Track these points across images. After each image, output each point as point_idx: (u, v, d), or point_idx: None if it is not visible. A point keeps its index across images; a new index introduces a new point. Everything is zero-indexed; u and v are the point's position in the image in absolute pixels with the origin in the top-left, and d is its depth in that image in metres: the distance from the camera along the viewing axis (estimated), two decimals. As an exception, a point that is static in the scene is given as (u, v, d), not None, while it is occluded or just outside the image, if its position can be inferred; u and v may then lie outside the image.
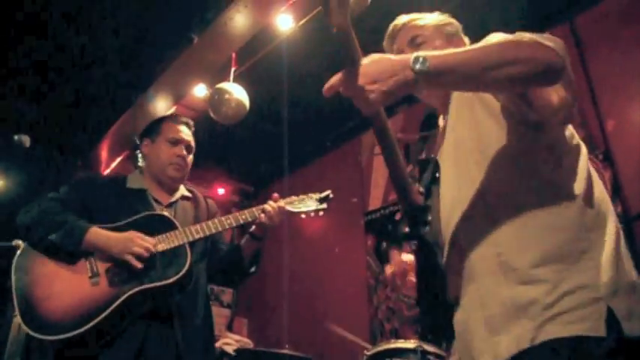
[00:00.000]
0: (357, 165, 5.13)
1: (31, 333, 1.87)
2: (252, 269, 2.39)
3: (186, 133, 2.42)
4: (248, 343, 4.68)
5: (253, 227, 2.31)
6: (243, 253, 2.33)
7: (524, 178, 1.25)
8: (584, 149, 1.33)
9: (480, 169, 1.30)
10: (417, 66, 1.10)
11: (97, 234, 2.05)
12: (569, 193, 1.22)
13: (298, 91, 4.48)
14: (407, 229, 1.41)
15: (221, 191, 6.33)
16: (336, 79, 1.17)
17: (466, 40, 1.60)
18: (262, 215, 2.24)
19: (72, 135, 5.26)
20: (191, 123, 2.48)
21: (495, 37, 1.27)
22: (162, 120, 2.48)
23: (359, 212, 4.91)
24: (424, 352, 2.39)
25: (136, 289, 1.98)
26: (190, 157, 2.43)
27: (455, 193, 1.36)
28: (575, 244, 1.17)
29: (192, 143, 2.44)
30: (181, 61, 4.27)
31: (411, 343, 2.46)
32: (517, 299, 1.18)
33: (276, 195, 2.32)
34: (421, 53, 1.12)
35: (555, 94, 1.21)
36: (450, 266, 1.37)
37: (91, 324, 1.88)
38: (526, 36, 1.18)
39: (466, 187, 1.33)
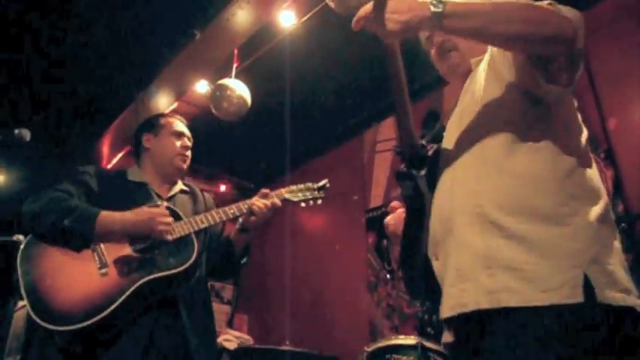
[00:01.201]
0: (359, 162, 5.12)
1: (44, 324, 1.86)
2: (243, 260, 2.41)
3: (185, 127, 2.50)
4: (248, 339, 4.69)
5: (242, 220, 2.32)
6: (235, 245, 2.36)
7: (518, 140, 1.28)
8: (584, 127, 1.36)
9: (479, 129, 1.35)
10: (435, 7, 1.19)
11: (111, 216, 2.05)
12: (561, 159, 1.25)
13: (300, 88, 4.48)
14: (402, 168, 1.46)
15: (222, 188, 6.34)
16: (364, 11, 1.24)
17: None
18: (253, 208, 2.24)
19: (73, 130, 5.27)
20: (184, 121, 2.56)
21: None
22: (161, 116, 2.55)
23: (360, 210, 4.91)
24: (424, 349, 2.39)
25: (146, 279, 1.98)
26: (189, 152, 2.48)
27: (454, 151, 1.40)
28: (558, 207, 1.19)
29: (191, 137, 2.51)
30: (183, 57, 4.28)
31: (411, 340, 2.46)
32: (491, 250, 1.20)
33: (265, 190, 2.33)
34: None
35: (566, 75, 1.24)
36: (434, 218, 1.39)
37: (103, 314, 1.88)
38: (545, 2, 1.25)
39: (465, 145, 1.36)
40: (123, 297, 1.93)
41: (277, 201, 2.30)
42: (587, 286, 1.11)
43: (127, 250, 2.06)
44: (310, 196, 2.40)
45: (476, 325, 1.21)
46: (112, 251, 2.05)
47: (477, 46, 1.50)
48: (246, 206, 2.25)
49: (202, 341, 2.11)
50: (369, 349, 2.57)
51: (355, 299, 4.70)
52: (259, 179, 6.25)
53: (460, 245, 1.27)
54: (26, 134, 2.51)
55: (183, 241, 2.10)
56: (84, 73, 4.56)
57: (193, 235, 2.13)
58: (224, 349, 4.44)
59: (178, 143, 2.41)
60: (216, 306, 5.84)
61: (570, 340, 1.09)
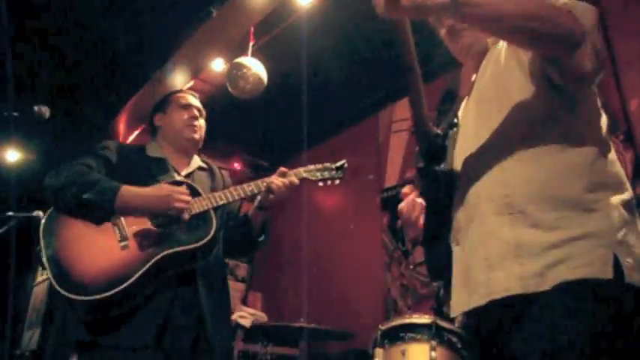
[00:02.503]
0: (374, 142, 5.11)
1: (65, 294, 1.90)
2: (261, 239, 2.42)
3: (193, 99, 2.50)
4: (262, 316, 4.75)
5: (259, 198, 2.32)
6: (252, 223, 2.36)
7: (543, 128, 1.28)
8: (604, 115, 1.36)
9: (500, 116, 1.34)
10: None
11: (131, 190, 2.08)
12: (585, 147, 1.26)
13: (316, 67, 4.45)
14: (421, 164, 1.45)
15: (237, 166, 6.36)
16: None
17: None
18: (272, 186, 2.25)
19: (90, 108, 5.30)
20: (196, 94, 2.57)
21: None
22: (169, 95, 2.57)
23: (375, 189, 4.91)
24: (439, 328, 2.40)
25: (166, 252, 2.02)
26: (202, 122, 2.49)
27: (473, 138, 1.40)
28: (584, 194, 1.21)
29: (202, 108, 2.51)
30: (200, 35, 4.26)
31: (425, 319, 2.47)
32: (520, 239, 1.21)
33: (283, 169, 2.33)
34: None
35: (587, 62, 1.23)
36: (457, 205, 1.41)
37: (124, 285, 1.92)
38: (564, 3, 1.24)
39: (485, 131, 1.36)
40: (143, 269, 1.97)
41: (295, 179, 2.31)
42: (617, 266, 1.14)
43: (147, 224, 2.09)
44: (328, 176, 2.40)
45: (504, 310, 1.23)
46: (132, 225, 2.08)
47: None
48: (264, 184, 2.26)
49: (217, 319, 2.14)
50: (384, 327, 2.59)
51: (369, 278, 4.72)
52: (275, 158, 6.26)
53: (487, 234, 1.28)
54: (46, 111, 2.53)
55: (202, 217, 2.13)
56: (101, 52, 4.57)
57: (212, 212, 2.15)
58: (239, 326, 4.50)
59: (185, 115, 2.42)
60: (231, 284, 5.87)
61: (601, 312, 1.12)
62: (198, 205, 2.14)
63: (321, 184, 2.40)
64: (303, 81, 4.54)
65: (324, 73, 4.57)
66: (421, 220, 1.52)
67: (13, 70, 4.49)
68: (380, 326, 2.61)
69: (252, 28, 4.10)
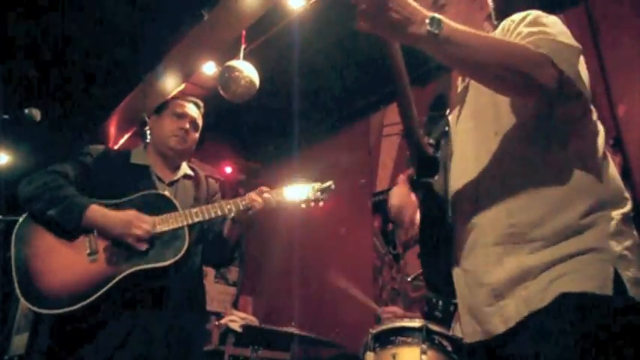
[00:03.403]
0: (366, 146, 5.11)
1: (28, 305, 1.89)
2: (235, 254, 2.43)
3: (192, 109, 2.45)
4: (253, 320, 4.73)
5: (234, 213, 2.29)
6: (228, 237, 2.35)
7: (541, 152, 1.28)
8: (601, 128, 1.36)
9: (497, 138, 1.34)
10: (431, 27, 1.16)
11: (96, 212, 2.05)
12: (586, 169, 1.26)
13: (308, 70, 4.46)
14: (414, 176, 1.45)
15: (228, 170, 6.35)
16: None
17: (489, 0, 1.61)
18: (255, 204, 2.24)
19: (81, 111, 5.27)
20: (201, 104, 2.51)
21: (529, 19, 1.32)
22: (171, 99, 2.53)
23: (366, 193, 4.91)
24: (429, 331, 2.40)
25: (133, 269, 1.99)
26: (195, 135, 2.45)
27: (474, 161, 1.39)
28: (587, 217, 1.21)
29: (199, 121, 2.47)
30: (191, 38, 4.26)
31: (416, 322, 2.47)
32: (523, 265, 1.22)
33: (263, 187, 2.33)
34: (440, 17, 1.17)
35: (573, 108, 1.27)
36: (456, 226, 1.41)
37: (87, 301, 1.90)
38: (542, 45, 1.22)
39: (485, 155, 1.36)
40: (108, 285, 1.94)
41: (273, 202, 2.30)
42: (617, 281, 1.14)
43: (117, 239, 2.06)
44: (312, 197, 2.40)
45: (516, 335, 1.23)
46: (104, 238, 2.05)
47: (471, 25, 1.43)
48: (244, 202, 2.24)
49: (187, 332, 2.11)
50: (375, 331, 2.59)
51: (360, 282, 4.72)
52: (266, 161, 6.26)
53: (491, 264, 1.29)
54: (36, 114, 2.52)
55: (176, 234, 2.10)
56: (92, 54, 4.56)
57: (186, 229, 2.12)
58: (229, 330, 4.48)
59: (176, 124, 2.37)
60: (222, 287, 5.89)
61: (600, 324, 1.12)
62: (173, 221, 2.11)
63: (303, 205, 2.39)
64: (295, 84, 4.55)
65: (316, 77, 4.58)
66: (416, 220, 1.52)
67: (2, 72, 4.47)
68: (371, 330, 2.61)
69: (243, 31, 4.10)
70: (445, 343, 2.44)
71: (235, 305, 5.61)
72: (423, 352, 2.37)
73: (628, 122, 3.27)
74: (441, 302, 2.73)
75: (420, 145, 1.42)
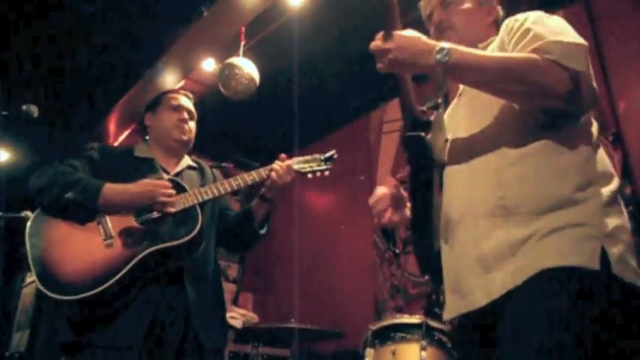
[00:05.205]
0: (365, 142, 5.11)
1: (49, 294, 1.89)
2: (263, 231, 2.40)
3: (185, 101, 2.47)
4: (253, 317, 4.74)
5: (263, 189, 2.32)
6: (255, 215, 2.35)
7: (534, 130, 1.32)
8: (594, 123, 1.40)
9: (492, 115, 1.38)
10: (439, 56, 1.25)
11: (115, 187, 2.07)
12: (577, 149, 1.29)
13: (307, 67, 4.45)
14: (407, 133, 1.48)
15: (228, 167, 6.33)
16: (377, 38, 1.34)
17: (498, 7, 1.65)
18: (273, 174, 2.24)
19: (80, 107, 5.27)
20: (190, 95, 2.54)
21: (531, 20, 1.37)
22: (162, 94, 2.53)
23: (366, 190, 4.91)
24: (429, 328, 2.41)
25: (150, 250, 2.00)
26: (193, 124, 2.47)
27: (465, 131, 1.44)
28: (576, 193, 1.24)
29: (194, 111, 2.49)
30: (190, 35, 4.25)
31: (415, 319, 2.48)
32: (513, 238, 1.25)
33: (283, 155, 2.33)
34: (447, 45, 1.27)
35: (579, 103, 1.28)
36: (448, 202, 1.43)
37: (107, 284, 1.91)
38: (550, 49, 1.26)
39: (477, 128, 1.40)
40: (127, 268, 1.95)
41: (292, 164, 2.30)
42: (604, 258, 1.17)
43: (131, 221, 2.08)
44: (317, 168, 2.36)
45: (500, 309, 1.24)
46: (116, 223, 2.06)
47: (476, 27, 1.55)
48: (251, 177, 2.25)
49: (207, 318, 2.12)
50: (374, 327, 2.60)
51: (360, 278, 4.73)
52: (266, 158, 6.24)
53: (480, 236, 1.31)
54: (34, 110, 2.52)
55: (188, 213, 2.11)
56: (91, 51, 4.55)
57: (198, 207, 2.13)
58: (230, 327, 4.49)
59: (175, 116, 2.40)
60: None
61: (584, 299, 1.14)
62: (183, 201, 2.12)
63: (310, 176, 2.35)
64: (295, 81, 4.55)
65: (316, 74, 4.57)
66: (388, 214, 1.53)
67: (1, 69, 4.47)
68: (370, 326, 2.62)
69: (243, 28, 4.09)
70: (445, 339, 2.44)
71: (235, 302, 5.62)
72: (423, 349, 2.38)
73: (628, 118, 3.27)
74: (441, 298, 2.74)
75: (412, 107, 1.47)
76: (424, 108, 1.52)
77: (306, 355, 4.24)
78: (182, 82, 4.77)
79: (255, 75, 3.92)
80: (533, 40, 1.30)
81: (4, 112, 2.53)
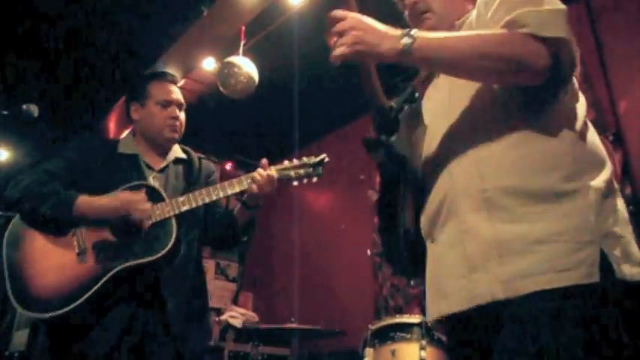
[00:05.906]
0: (366, 142, 5.10)
1: (20, 310, 1.88)
2: (245, 238, 2.32)
3: (175, 91, 2.33)
4: (253, 316, 4.74)
5: (245, 196, 2.19)
6: (237, 221, 2.25)
7: (516, 115, 1.22)
8: (582, 99, 1.30)
9: (471, 102, 1.29)
10: (405, 39, 1.18)
11: (89, 202, 2.01)
12: (563, 133, 1.20)
13: (307, 66, 4.44)
14: (374, 136, 1.41)
15: (227, 166, 6.34)
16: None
17: None
18: (253, 186, 2.11)
19: (81, 106, 5.27)
20: (176, 79, 2.42)
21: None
22: (147, 81, 2.35)
23: (366, 189, 4.90)
24: (428, 327, 2.41)
25: (122, 266, 1.95)
26: (183, 116, 2.33)
27: (445, 127, 1.33)
28: (565, 183, 1.14)
29: (182, 100, 2.35)
30: (190, 34, 4.25)
31: (415, 318, 2.48)
32: (501, 236, 1.14)
33: (264, 161, 2.19)
34: (414, 30, 1.19)
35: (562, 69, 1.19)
36: (432, 197, 1.33)
37: (78, 302, 1.88)
38: (524, 20, 1.16)
39: (456, 116, 1.30)
40: (98, 285, 1.92)
41: (274, 174, 2.15)
42: (604, 263, 1.07)
43: (105, 234, 2.02)
44: (304, 174, 2.18)
45: (488, 316, 1.16)
46: (91, 236, 2.02)
47: (454, 6, 1.45)
48: (232, 187, 2.12)
49: (186, 325, 2.06)
50: (374, 327, 2.59)
51: (360, 278, 4.72)
52: (266, 157, 6.23)
53: (467, 232, 1.21)
54: (34, 110, 2.51)
55: (163, 225, 2.02)
56: (92, 49, 4.55)
57: (174, 220, 2.04)
58: (229, 326, 4.49)
59: (166, 113, 2.26)
60: (222, 283, 5.89)
61: (588, 320, 1.05)
62: (160, 213, 2.03)
63: (296, 183, 2.20)
64: (295, 80, 4.54)
65: (316, 73, 4.56)
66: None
67: (2, 69, 4.46)
68: (370, 326, 2.62)
69: (243, 27, 4.09)
70: (444, 338, 2.44)
71: (235, 301, 5.61)
72: (422, 348, 2.38)
73: (628, 118, 3.27)
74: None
75: (382, 106, 1.42)
76: (392, 103, 1.44)
77: (305, 354, 4.24)
78: (182, 82, 4.77)
79: (255, 74, 3.91)
80: (508, 11, 1.20)
81: (4, 112, 2.52)
